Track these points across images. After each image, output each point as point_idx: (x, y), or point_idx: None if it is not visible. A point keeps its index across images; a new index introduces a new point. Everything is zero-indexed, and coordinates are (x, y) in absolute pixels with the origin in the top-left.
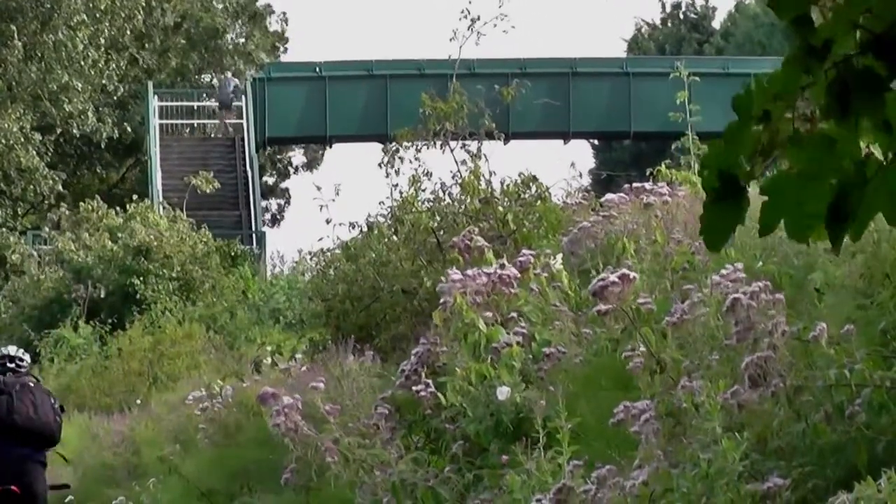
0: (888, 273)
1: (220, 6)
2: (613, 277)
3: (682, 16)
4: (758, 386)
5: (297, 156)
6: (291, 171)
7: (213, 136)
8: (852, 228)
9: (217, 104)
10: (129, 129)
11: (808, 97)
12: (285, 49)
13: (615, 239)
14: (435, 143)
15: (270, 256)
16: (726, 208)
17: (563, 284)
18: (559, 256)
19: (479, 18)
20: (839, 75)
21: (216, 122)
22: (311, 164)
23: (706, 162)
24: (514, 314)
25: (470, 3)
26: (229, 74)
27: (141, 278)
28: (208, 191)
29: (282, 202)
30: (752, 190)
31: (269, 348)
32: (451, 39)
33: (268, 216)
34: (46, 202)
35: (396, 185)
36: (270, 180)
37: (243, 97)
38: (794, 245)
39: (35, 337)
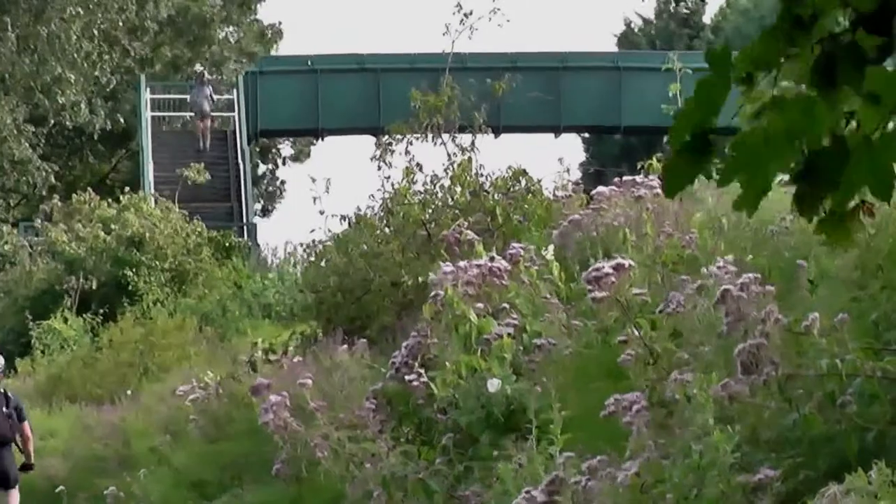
0: (881, 265)
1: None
2: (608, 267)
3: (672, 11)
4: (750, 373)
5: (286, 148)
6: (279, 161)
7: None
8: (836, 197)
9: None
10: (121, 119)
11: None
12: (277, 44)
13: (605, 232)
14: (426, 137)
15: (263, 249)
16: (691, 158)
17: (553, 276)
18: (551, 248)
19: (472, 13)
20: (825, 50)
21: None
22: (298, 157)
23: (680, 118)
24: (504, 306)
25: None
26: (202, 84)
27: (133, 269)
28: (202, 181)
29: (274, 192)
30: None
31: (260, 342)
32: (443, 34)
33: (258, 206)
34: (38, 193)
35: (388, 177)
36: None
37: (234, 90)
38: (785, 238)
39: (28, 328)
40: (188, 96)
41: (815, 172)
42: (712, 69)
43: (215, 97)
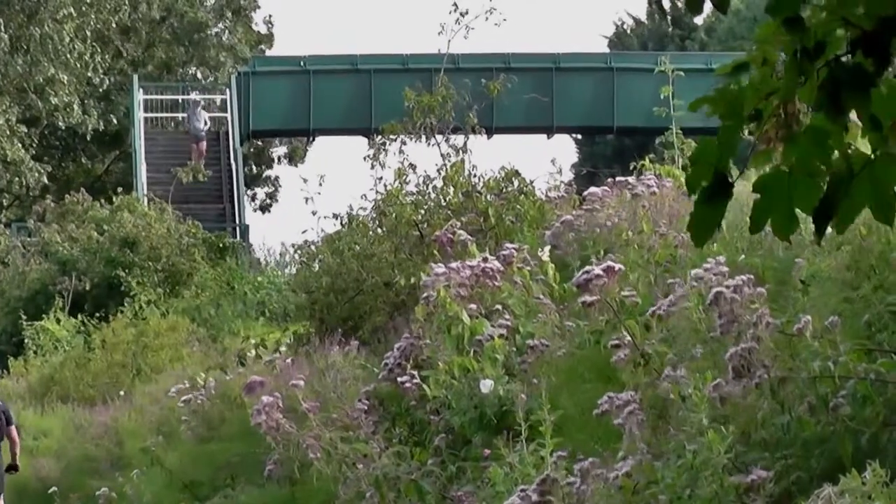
0: (873, 265)
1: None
2: (598, 270)
3: (665, 11)
4: (742, 377)
5: (279, 148)
6: (274, 163)
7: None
8: (837, 222)
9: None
10: (114, 119)
11: (798, 96)
12: (270, 44)
13: (598, 232)
14: (420, 137)
15: (256, 249)
16: (714, 206)
17: (549, 276)
18: (547, 249)
19: (467, 12)
20: (831, 74)
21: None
22: (292, 156)
23: (697, 158)
24: (498, 307)
25: None
26: (199, 108)
27: (126, 270)
28: (202, 179)
29: (271, 191)
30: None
31: (252, 341)
32: (439, 33)
33: (255, 204)
34: (31, 194)
35: (381, 178)
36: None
37: (227, 91)
38: (778, 239)
39: (21, 328)
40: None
41: (832, 197)
42: (723, 117)
43: (209, 121)
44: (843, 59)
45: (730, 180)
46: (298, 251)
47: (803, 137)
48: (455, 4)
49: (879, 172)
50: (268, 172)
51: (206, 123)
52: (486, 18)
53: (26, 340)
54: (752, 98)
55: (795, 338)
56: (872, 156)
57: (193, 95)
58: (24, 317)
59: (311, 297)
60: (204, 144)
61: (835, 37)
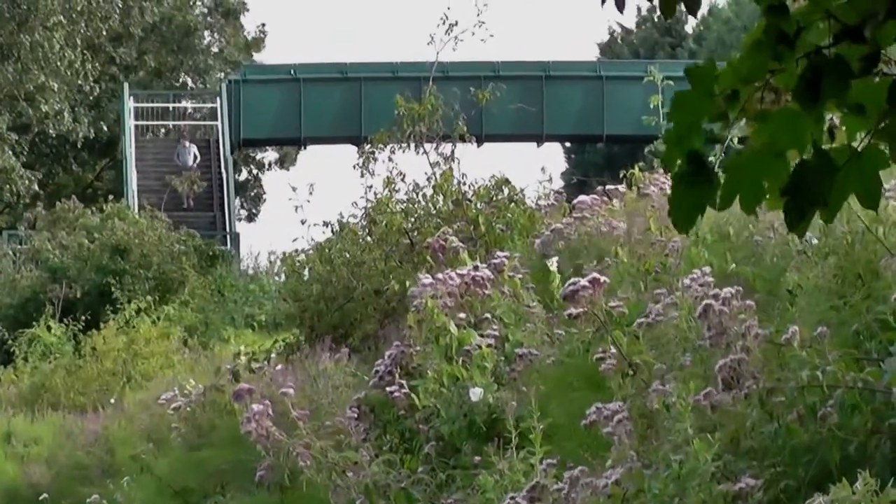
0: (861, 274)
1: (196, 6)
2: (584, 282)
3: (655, 20)
4: (731, 388)
5: (270, 153)
6: (265, 169)
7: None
8: (825, 212)
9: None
10: (104, 127)
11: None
12: (259, 50)
13: (588, 241)
14: (409, 146)
15: (245, 257)
16: (696, 187)
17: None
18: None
19: (456, 24)
20: (811, 65)
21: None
22: (282, 161)
23: (668, 141)
24: (487, 315)
25: (449, 8)
26: (187, 143)
27: (117, 278)
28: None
29: (257, 199)
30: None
31: (243, 351)
32: (428, 44)
33: (243, 213)
34: (22, 202)
35: (371, 186)
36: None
37: (218, 99)
38: (768, 247)
39: (10, 336)
40: (170, 105)
41: (802, 187)
42: (693, 85)
43: (198, 155)
44: (826, 50)
45: (707, 161)
46: (288, 260)
47: (776, 117)
48: (444, 16)
49: (865, 160)
50: (253, 177)
51: (195, 158)
52: (473, 34)
53: (15, 349)
54: (731, 77)
55: (784, 347)
56: (858, 147)
57: (185, 142)
58: (14, 326)
59: (302, 305)
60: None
61: (817, 27)
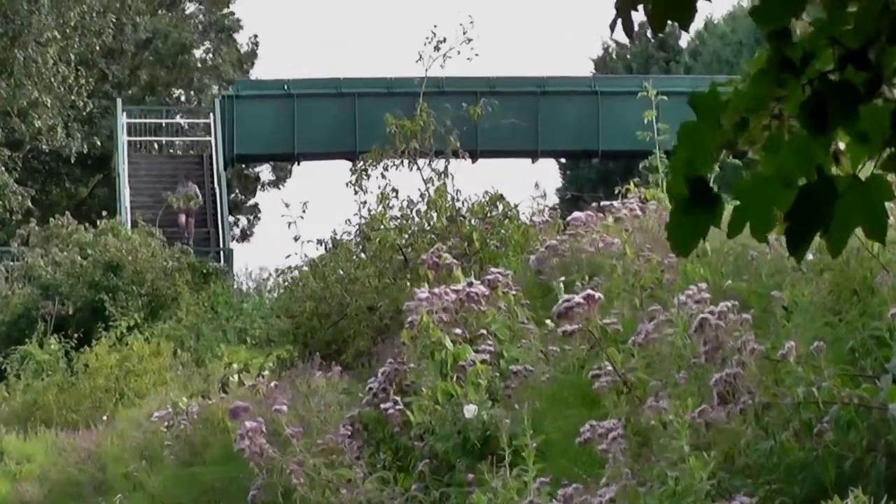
0: (856, 290)
1: (191, 23)
2: (578, 298)
3: (648, 34)
4: (726, 403)
5: (265, 171)
6: (259, 187)
7: (181, 153)
8: (830, 242)
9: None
10: (98, 142)
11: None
12: (252, 64)
13: (583, 257)
14: (403, 162)
15: (238, 274)
16: (698, 214)
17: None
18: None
19: (444, 41)
20: (815, 91)
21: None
22: (277, 182)
23: (674, 170)
24: (482, 331)
25: (436, 26)
26: (190, 183)
27: (110, 294)
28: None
29: (251, 217)
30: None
31: (235, 366)
32: (416, 61)
33: (237, 231)
34: (15, 218)
35: (364, 202)
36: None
37: (211, 115)
38: (765, 263)
39: (2, 353)
40: (163, 120)
41: (804, 211)
42: (699, 115)
43: (199, 193)
44: (831, 75)
45: (711, 187)
46: (281, 277)
47: (786, 147)
48: (433, 33)
49: (870, 190)
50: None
51: (196, 196)
52: (459, 52)
53: (7, 366)
54: (737, 106)
55: (780, 363)
56: (862, 175)
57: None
58: (6, 343)
59: (295, 322)
60: (193, 218)
61: (822, 52)
